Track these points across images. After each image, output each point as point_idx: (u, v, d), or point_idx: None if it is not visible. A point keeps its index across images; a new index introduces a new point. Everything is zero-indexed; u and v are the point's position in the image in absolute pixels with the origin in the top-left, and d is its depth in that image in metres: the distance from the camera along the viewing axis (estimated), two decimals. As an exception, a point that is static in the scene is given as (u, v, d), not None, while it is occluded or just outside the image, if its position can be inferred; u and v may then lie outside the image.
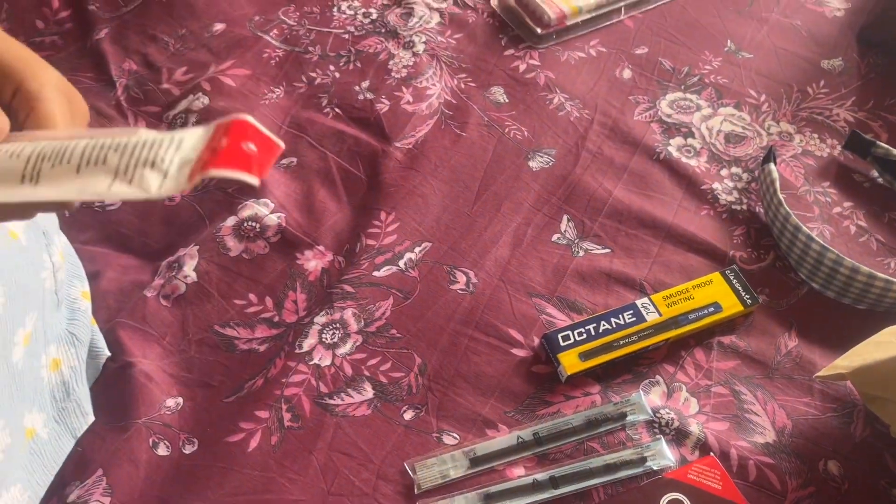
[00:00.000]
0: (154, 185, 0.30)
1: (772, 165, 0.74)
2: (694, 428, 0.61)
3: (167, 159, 0.31)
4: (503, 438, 0.60)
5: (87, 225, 0.75)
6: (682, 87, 0.86)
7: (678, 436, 0.61)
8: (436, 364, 0.65)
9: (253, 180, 0.30)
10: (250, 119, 0.32)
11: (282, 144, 0.32)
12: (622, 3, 0.92)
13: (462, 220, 0.74)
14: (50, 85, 0.39)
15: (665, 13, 0.94)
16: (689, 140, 0.81)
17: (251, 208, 0.74)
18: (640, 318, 0.66)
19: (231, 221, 0.73)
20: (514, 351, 0.65)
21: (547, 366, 0.65)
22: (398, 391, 0.63)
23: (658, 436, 0.61)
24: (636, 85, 0.86)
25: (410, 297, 0.68)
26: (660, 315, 0.66)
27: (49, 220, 0.64)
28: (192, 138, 0.32)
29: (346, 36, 0.90)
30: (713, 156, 0.79)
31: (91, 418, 0.61)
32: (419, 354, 0.65)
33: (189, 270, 0.70)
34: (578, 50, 0.89)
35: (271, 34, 0.90)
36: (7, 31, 0.52)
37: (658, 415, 0.62)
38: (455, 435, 0.61)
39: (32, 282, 0.59)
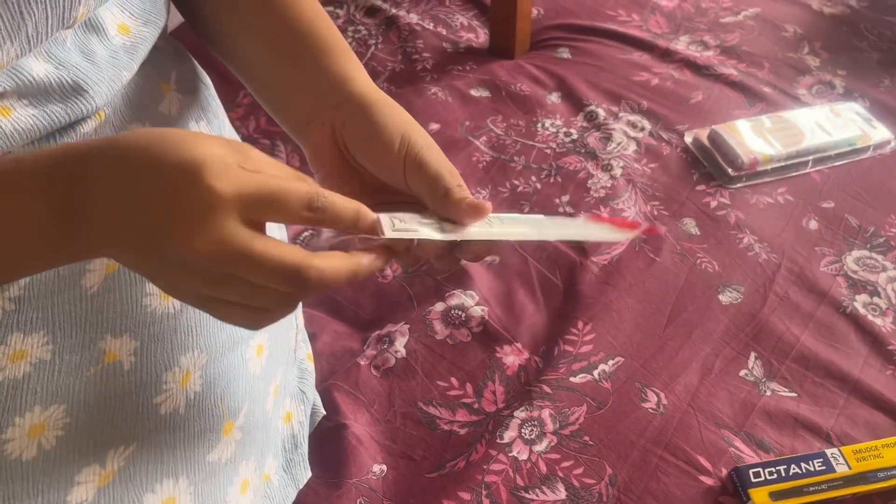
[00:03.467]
0: None
1: (965, 338, 0.75)
2: (882, 589, 0.61)
3: None
4: (691, 563, 0.63)
5: (307, 288, 0.82)
6: (868, 245, 0.89)
7: None
8: (626, 477, 0.68)
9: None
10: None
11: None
12: (810, 157, 0.97)
13: (654, 341, 0.78)
14: (461, 186, 0.46)
15: (851, 171, 0.98)
16: (875, 299, 0.83)
17: (458, 297, 0.80)
18: (829, 467, 0.68)
19: (440, 307, 0.79)
20: (703, 478, 0.68)
21: (734, 498, 0.67)
22: (589, 497, 0.66)
23: (845, 590, 0.62)
24: (822, 237, 0.90)
25: (603, 408, 0.72)
26: (849, 468, 0.68)
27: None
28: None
29: (548, 151, 0.98)
30: (899, 318, 0.82)
31: (309, 473, 0.67)
32: (610, 465, 0.68)
33: (399, 346, 0.76)
34: (767, 195, 0.94)
35: (480, 140, 0.98)
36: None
37: (845, 569, 0.63)
38: (644, 550, 0.63)
39: (284, 341, 0.66)
